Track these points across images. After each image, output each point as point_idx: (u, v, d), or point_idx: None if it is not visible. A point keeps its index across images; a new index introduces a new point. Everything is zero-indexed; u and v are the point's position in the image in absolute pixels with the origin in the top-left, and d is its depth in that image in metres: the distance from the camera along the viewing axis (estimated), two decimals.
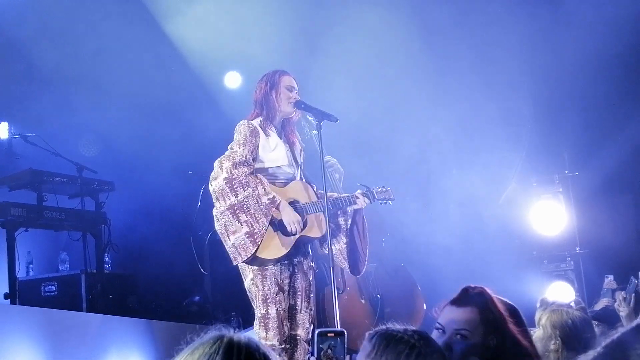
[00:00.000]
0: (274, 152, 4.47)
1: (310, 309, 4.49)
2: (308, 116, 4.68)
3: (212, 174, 4.37)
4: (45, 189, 6.24)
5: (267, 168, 4.45)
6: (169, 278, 7.43)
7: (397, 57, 6.95)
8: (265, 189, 4.29)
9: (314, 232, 4.46)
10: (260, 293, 4.27)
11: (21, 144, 6.56)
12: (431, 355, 1.95)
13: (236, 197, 4.25)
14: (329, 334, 2.00)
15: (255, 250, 4.21)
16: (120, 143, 7.14)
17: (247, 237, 4.22)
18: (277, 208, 4.29)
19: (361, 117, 6.57)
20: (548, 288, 6.37)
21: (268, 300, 4.26)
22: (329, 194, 4.47)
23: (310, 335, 4.42)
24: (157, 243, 7.38)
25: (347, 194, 4.61)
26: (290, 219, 4.31)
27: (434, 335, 2.32)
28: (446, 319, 2.36)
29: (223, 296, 7.42)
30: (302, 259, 4.48)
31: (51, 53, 6.90)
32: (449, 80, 6.95)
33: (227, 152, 4.39)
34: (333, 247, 4.46)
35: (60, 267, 6.88)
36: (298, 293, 4.43)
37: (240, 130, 4.42)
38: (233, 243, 4.24)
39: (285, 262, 4.38)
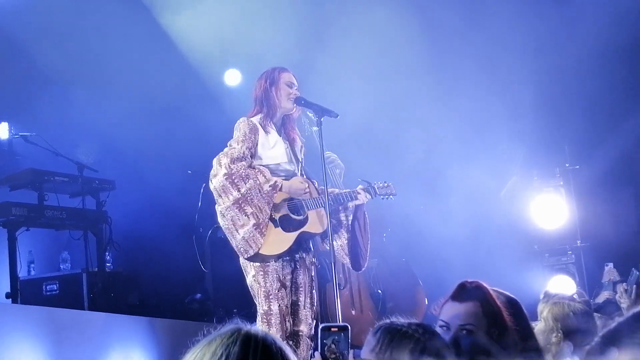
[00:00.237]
0: (273, 150, 4.47)
1: (313, 305, 4.48)
2: (308, 112, 4.68)
3: (212, 171, 4.37)
4: (46, 189, 6.26)
5: (267, 165, 4.45)
6: (170, 276, 7.43)
7: (402, 53, 6.94)
8: (265, 177, 4.32)
9: (315, 228, 4.47)
10: (263, 289, 4.27)
11: (22, 143, 6.56)
12: (436, 348, 1.95)
13: (239, 191, 4.26)
14: (332, 329, 1.99)
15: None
16: (120, 141, 7.14)
17: (255, 229, 4.24)
18: (281, 190, 4.30)
19: (367, 113, 6.57)
20: (549, 282, 6.36)
21: (270, 297, 4.26)
22: (330, 189, 4.47)
23: (313, 331, 4.42)
24: (158, 241, 7.37)
25: (348, 190, 4.61)
26: (297, 187, 4.35)
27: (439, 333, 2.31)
28: (449, 315, 2.35)
29: (224, 293, 7.41)
30: (303, 255, 4.48)
31: (52, 53, 6.89)
32: (453, 75, 6.95)
33: (225, 149, 4.39)
34: (334, 242, 4.46)
35: (61, 266, 6.90)
36: (300, 289, 4.43)
37: (240, 128, 4.42)
38: (243, 236, 4.24)
39: (287, 258, 4.38)
